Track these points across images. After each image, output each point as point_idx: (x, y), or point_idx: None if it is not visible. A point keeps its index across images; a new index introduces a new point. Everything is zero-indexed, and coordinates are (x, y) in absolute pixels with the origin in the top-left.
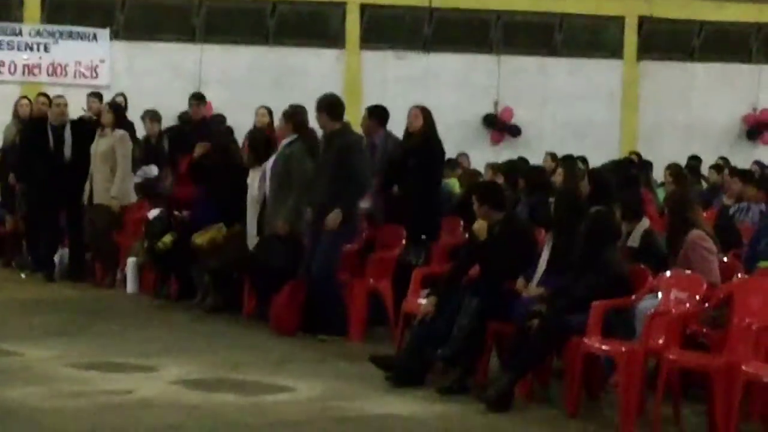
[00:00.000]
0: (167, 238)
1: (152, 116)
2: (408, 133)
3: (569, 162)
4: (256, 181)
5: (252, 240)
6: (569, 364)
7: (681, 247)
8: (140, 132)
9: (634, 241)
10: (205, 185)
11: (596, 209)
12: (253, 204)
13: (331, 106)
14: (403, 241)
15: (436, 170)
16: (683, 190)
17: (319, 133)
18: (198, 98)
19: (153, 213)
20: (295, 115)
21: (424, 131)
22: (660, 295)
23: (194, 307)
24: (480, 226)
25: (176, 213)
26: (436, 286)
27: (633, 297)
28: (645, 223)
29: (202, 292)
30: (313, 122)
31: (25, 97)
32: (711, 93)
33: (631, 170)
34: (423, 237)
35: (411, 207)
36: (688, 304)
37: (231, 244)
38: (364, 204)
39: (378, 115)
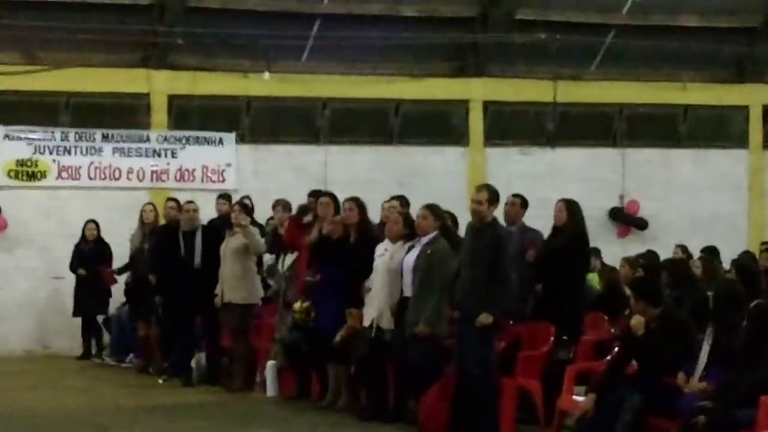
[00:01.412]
0: (300, 305)
1: (284, 205)
2: (555, 229)
3: (709, 255)
4: (400, 254)
5: (372, 311)
6: None
7: None
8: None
9: None
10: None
11: (757, 303)
12: (388, 276)
13: (497, 196)
14: (552, 339)
15: (582, 266)
16: None
17: None
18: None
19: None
20: (439, 210)
21: (571, 227)
22: None
23: (326, 408)
24: (637, 321)
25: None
26: (593, 383)
27: None
28: None
29: (334, 392)
30: None
31: (149, 203)
32: None
33: None
34: (564, 337)
35: (557, 303)
36: None
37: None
38: None
39: (525, 203)
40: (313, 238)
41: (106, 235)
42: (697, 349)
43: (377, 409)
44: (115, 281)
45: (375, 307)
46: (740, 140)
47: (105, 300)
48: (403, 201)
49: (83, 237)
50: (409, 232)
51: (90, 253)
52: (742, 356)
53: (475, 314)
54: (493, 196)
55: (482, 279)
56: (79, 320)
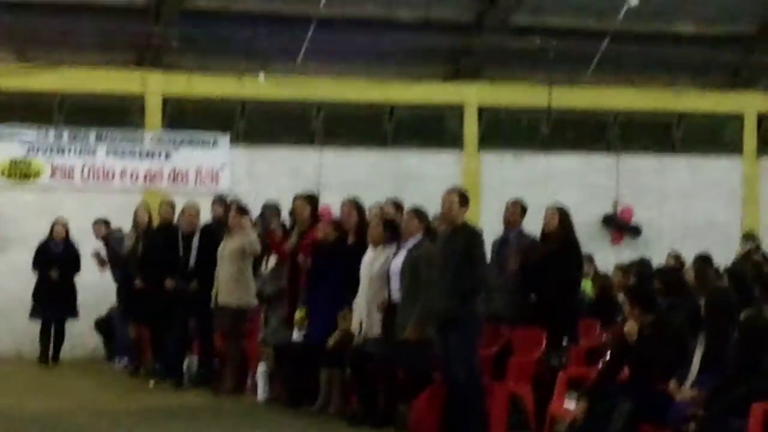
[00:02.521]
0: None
1: (273, 210)
2: (544, 235)
3: (702, 262)
4: (380, 260)
5: (358, 318)
6: None
7: None
8: None
9: None
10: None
11: (747, 314)
12: (371, 282)
13: (467, 198)
14: (544, 345)
15: (575, 273)
16: None
17: None
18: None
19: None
20: (424, 213)
21: (562, 233)
22: None
23: (317, 412)
24: (631, 327)
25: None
26: (585, 390)
27: None
28: None
29: (325, 396)
30: None
31: (143, 205)
32: None
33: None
34: (564, 341)
35: (550, 310)
36: None
37: None
38: None
39: (524, 209)
40: (292, 244)
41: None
42: (690, 357)
43: (368, 414)
44: (107, 263)
45: (358, 314)
46: (734, 148)
47: (74, 303)
48: (397, 204)
49: (51, 236)
50: (389, 235)
51: (61, 255)
52: (734, 365)
53: (452, 317)
54: (464, 199)
55: (456, 281)
56: (77, 322)
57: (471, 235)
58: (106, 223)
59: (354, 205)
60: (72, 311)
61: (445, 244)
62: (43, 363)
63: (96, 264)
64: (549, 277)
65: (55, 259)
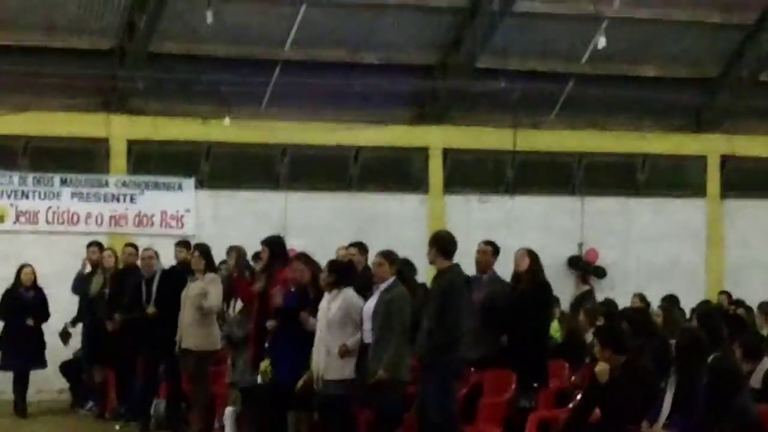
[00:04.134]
0: (265, 365)
1: (238, 251)
2: (516, 276)
3: (669, 303)
4: (336, 304)
5: (318, 362)
6: None
7: None
8: None
9: (755, 381)
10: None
11: (716, 357)
12: (329, 325)
13: (445, 243)
14: (514, 386)
15: (545, 314)
16: None
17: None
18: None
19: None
20: (395, 256)
21: (532, 275)
22: None
23: None
24: (602, 369)
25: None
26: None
27: None
28: (766, 362)
29: None
30: None
31: (109, 248)
32: None
33: (728, 312)
34: (535, 385)
35: (521, 351)
36: None
37: None
38: None
39: (496, 251)
40: (261, 286)
41: (64, 281)
42: (660, 398)
43: None
44: (69, 341)
45: (315, 357)
46: (698, 189)
47: (42, 352)
48: (362, 248)
49: (18, 282)
50: (337, 279)
51: (32, 301)
52: (704, 407)
53: (430, 363)
54: (437, 243)
55: (433, 327)
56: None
57: (448, 282)
58: (101, 246)
59: (303, 261)
60: (41, 361)
61: (431, 287)
62: (20, 414)
63: (60, 339)
64: (520, 318)
65: (27, 306)
